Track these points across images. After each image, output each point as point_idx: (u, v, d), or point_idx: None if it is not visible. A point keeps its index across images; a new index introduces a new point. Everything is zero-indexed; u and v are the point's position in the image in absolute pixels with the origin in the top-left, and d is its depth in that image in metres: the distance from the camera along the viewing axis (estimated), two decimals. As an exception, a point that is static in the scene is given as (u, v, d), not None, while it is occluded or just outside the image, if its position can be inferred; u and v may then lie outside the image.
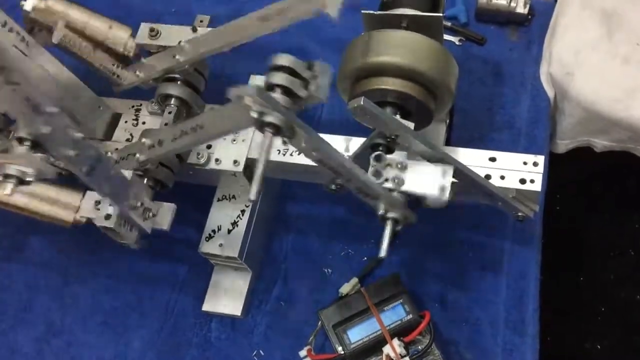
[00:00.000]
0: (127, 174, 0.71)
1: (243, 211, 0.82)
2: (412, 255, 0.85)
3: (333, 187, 0.73)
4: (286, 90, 0.57)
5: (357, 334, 0.72)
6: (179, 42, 0.81)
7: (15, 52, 0.70)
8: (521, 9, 0.96)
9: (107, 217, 0.70)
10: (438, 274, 0.84)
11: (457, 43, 0.99)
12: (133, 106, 0.87)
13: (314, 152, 0.63)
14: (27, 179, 0.57)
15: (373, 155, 0.65)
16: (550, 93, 0.93)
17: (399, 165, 0.65)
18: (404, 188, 0.65)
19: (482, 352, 0.79)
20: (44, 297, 0.90)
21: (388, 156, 0.66)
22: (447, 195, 0.66)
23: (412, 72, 0.65)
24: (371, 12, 0.70)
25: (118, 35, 0.85)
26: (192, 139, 0.69)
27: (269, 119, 0.56)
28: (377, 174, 0.65)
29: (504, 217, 0.83)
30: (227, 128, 0.64)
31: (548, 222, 0.86)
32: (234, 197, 0.83)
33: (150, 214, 0.72)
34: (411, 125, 0.65)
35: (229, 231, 0.81)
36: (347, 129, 0.80)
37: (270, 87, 0.57)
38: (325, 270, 0.86)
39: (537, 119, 0.92)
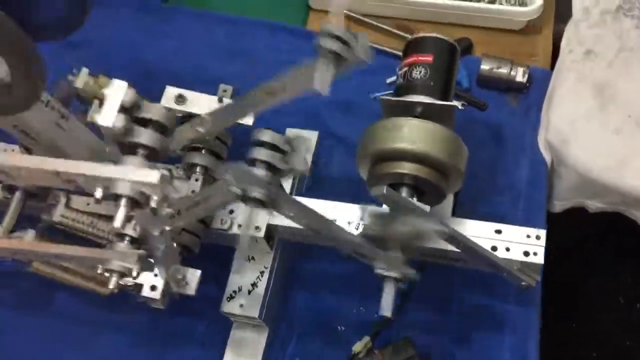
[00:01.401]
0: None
1: (262, 272, 0.87)
2: (421, 315, 0.91)
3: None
4: (268, 165, 0.62)
5: (373, 397, 0.77)
6: (200, 114, 0.86)
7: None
8: (520, 77, 1.03)
9: (153, 288, 0.75)
10: (446, 333, 0.89)
11: (459, 107, 1.04)
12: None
13: (303, 220, 0.68)
14: (133, 275, 0.62)
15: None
16: (548, 158, 1.00)
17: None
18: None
19: (487, 409, 0.85)
20: (69, 350, 0.94)
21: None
22: None
23: (426, 158, 0.71)
24: (388, 98, 0.76)
25: None
26: (201, 210, 0.74)
27: (252, 194, 0.61)
28: None
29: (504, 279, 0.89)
30: (220, 202, 0.69)
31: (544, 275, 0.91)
32: (253, 258, 0.88)
33: (184, 282, 0.77)
34: (427, 208, 0.70)
35: (249, 292, 0.86)
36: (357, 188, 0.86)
37: (253, 162, 0.63)
38: (338, 327, 0.91)
39: (536, 183, 0.98)
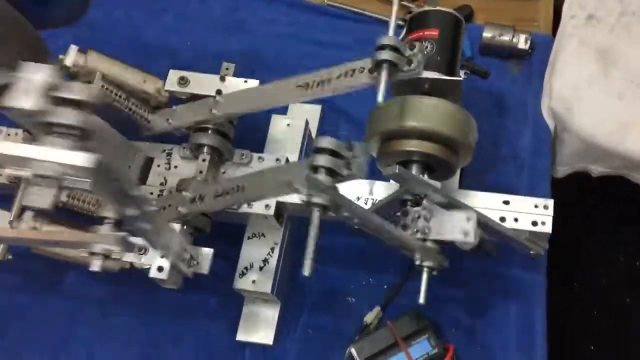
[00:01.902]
0: (176, 226, 0.77)
1: (272, 249, 0.89)
2: (430, 284, 0.92)
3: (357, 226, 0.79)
4: (330, 171, 0.63)
5: (389, 367, 0.80)
6: (215, 96, 0.86)
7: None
8: (522, 44, 1.03)
9: (160, 269, 0.76)
10: (453, 301, 0.91)
11: (462, 76, 1.04)
12: (164, 150, 0.92)
13: (355, 220, 0.70)
14: (113, 257, 0.62)
15: (400, 211, 0.71)
16: (551, 125, 1.00)
17: (425, 217, 0.72)
18: (432, 237, 0.72)
19: (496, 374, 0.87)
20: (83, 329, 0.96)
21: (414, 209, 0.72)
22: (472, 238, 0.72)
23: (436, 135, 0.71)
24: (396, 74, 0.76)
25: (152, 87, 0.89)
26: (234, 199, 0.75)
27: (317, 200, 0.62)
28: (405, 227, 0.72)
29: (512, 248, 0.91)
30: (269, 195, 0.70)
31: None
32: (263, 235, 0.89)
33: (195, 262, 0.78)
34: (438, 184, 0.71)
35: (261, 268, 0.87)
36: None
37: (315, 168, 0.63)
38: (349, 299, 0.93)
39: (539, 150, 0.99)
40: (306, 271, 0.61)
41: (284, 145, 0.93)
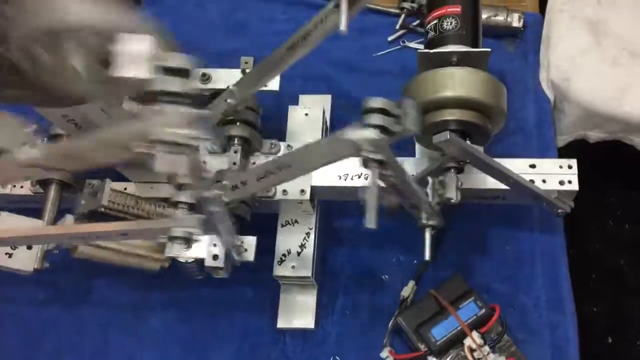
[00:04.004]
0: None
1: (308, 233, 0.90)
2: (454, 255, 0.96)
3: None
4: (383, 129, 0.65)
5: (441, 332, 0.82)
6: (227, 86, 0.87)
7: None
8: (516, 23, 1.08)
9: (215, 257, 0.77)
10: (481, 268, 0.95)
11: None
12: (190, 147, 0.93)
13: (392, 179, 0.72)
14: (195, 239, 0.63)
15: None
16: (551, 96, 1.06)
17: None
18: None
19: (530, 331, 0.90)
20: (118, 334, 0.95)
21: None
22: None
23: (472, 103, 0.75)
24: (426, 51, 0.79)
25: None
26: (279, 178, 0.76)
27: (377, 157, 0.64)
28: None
29: (529, 212, 0.96)
30: (322, 163, 0.72)
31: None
32: (296, 221, 0.91)
33: (244, 249, 0.80)
34: (481, 148, 0.75)
35: (298, 253, 0.89)
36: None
37: (368, 127, 0.65)
38: (383, 277, 0.96)
39: (543, 121, 1.04)
40: (371, 224, 0.63)
41: (304, 134, 0.95)
